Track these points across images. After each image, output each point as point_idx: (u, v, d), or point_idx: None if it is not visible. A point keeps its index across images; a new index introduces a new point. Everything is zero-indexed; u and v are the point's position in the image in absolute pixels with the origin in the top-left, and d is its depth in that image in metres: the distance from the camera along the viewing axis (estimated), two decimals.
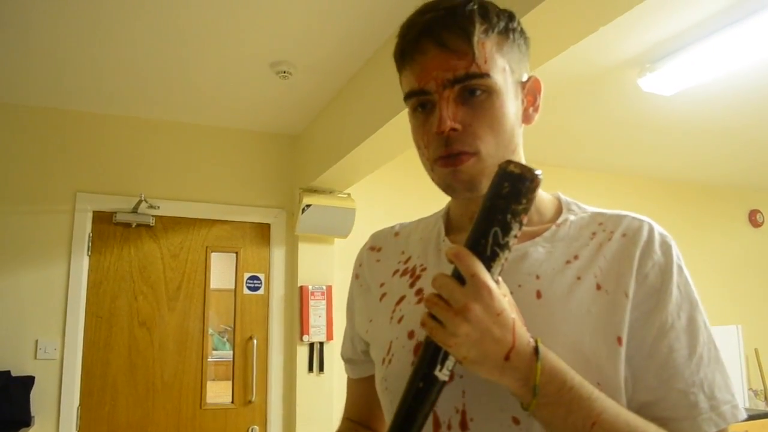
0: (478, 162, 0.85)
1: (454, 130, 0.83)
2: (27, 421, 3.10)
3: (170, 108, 3.68)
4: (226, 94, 3.47)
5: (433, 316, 0.72)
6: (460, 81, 0.83)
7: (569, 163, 4.86)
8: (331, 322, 3.86)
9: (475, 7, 0.85)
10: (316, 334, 3.83)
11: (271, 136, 4.13)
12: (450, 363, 0.73)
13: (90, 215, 3.59)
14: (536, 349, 0.72)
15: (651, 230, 0.87)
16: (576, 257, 0.86)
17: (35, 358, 3.33)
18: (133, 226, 3.67)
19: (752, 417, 4.17)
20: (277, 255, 4.00)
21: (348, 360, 1.13)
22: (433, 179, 0.91)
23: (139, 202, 3.56)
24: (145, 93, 3.45)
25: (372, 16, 2.63)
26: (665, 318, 0.81)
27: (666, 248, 0.85)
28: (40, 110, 3.58)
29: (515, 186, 0.73)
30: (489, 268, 0.72)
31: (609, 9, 1.81)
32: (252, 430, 3.76)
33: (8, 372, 3.21)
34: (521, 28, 0.91)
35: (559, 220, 0.92)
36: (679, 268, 0.85)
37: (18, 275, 3.38)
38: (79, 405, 3.40)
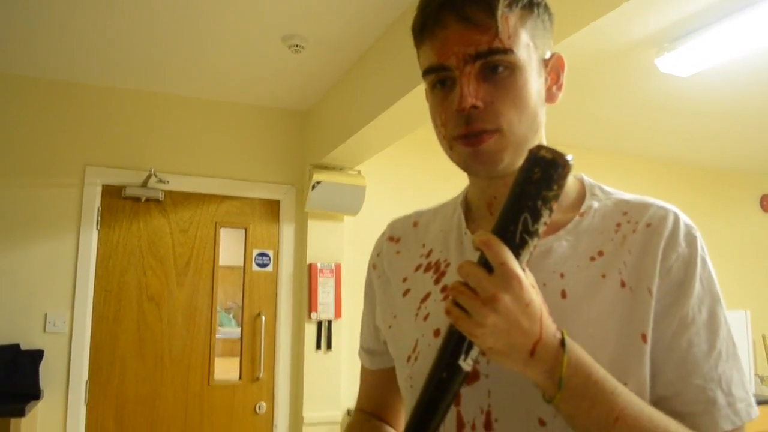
0: (501, 138, 0.81)
1: (475, 107, 0.80)
2: (36, 394, 3.11)
3: (181, 82, 3.65)
4: (237, 67, 3.43)
5: (458, 304, 0.70)
6: (482, 56, 0.80)
7: (578, 143, 4.81)
8: (339, 300, 3.85)
9: None
10: (324, 311, 3.82)
11: (281, 112, 4.10)
12: (474, 353, 0.71)
13: (99, 189, 3.57)
14: (563, 342, 0.71)
15: (676, 220, 0.84)
16: (600, 253, 0.84)
17: (44, 331, 3.33)
18: (143, 200, 3.65)
19: (759, 403, 4.15)
20: (287, 232, 3.98)
21: (368, 350, 1.10)
22: (451, 158, 0.87)
23: (149, 176, 3.54)
24: (156, 66, 3.41)
25: None
26: (686, 312, 0.79)
27: (691, 239, 0.83)
28: (49, 83, 3.55)
29: (547, 171, 0.70)
30: (517, 255, 0.70)
31: None
32: (259, 406, 3.76)
33: (17, 345, 3.21)
34: (545, 3, 0.87)
35: (583, 209, 0.89)
36: (703, 260, 0.83)
37: (27, 249, 3.37)
38: (88, 379, 3.41)
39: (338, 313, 3.85)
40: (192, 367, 3.66)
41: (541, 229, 0.71)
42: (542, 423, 0.78)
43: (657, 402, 0.78)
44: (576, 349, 0.72)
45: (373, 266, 1.06)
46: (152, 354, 3.58)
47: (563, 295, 0.82)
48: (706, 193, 5.42)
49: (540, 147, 0.72)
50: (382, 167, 4.10)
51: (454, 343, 0.71)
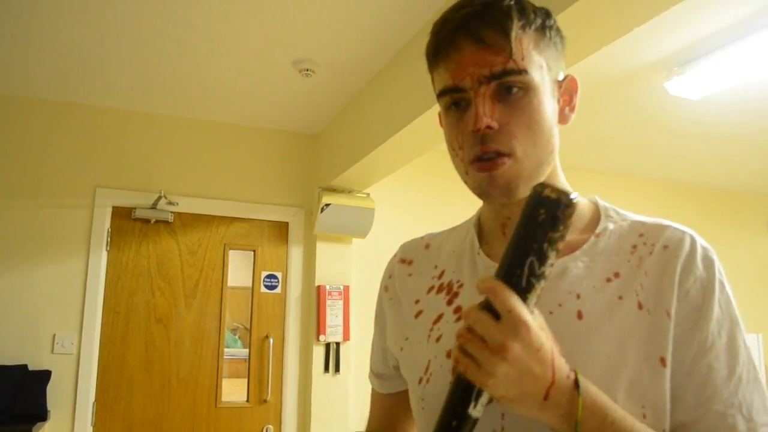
0: (515, 164, 0.81)
1: (490, 128, 0.79)
2: (43, 415, 3.10)
3: (191, 105, 3.67)
4: (248, 91, 3.46)
5: (465, 351, 0.69)
6: (497, 77, 0.80)
7: (588, 166, 4.82)
8: (347, 323, 3.84)
9: (512, 2, 0.82)
10: (332, 334, 3.80)
11: (291, 135, 4.12)
12: (484, 399, 0.70)
13: (109, 210, 3.59)
14: (576, 382, 0.69)
15: (693, 243, 0.83)
16: (617, 275, 0.83)
17: (52, 352, 3.33)
18: (152, 222, 3.67)
19: None
20: (295, 254, 3.98)
21: (378, 374, 1.09)
22: (467, 183, 0.86)
23: (159, 198, 3.56)
24: (167, 89, 3.44)
25: (395, 17, 2.61)
26: (705, 336, 0.78)
27: (708, 263, 0.81)
28: (61, 105, 3.59)
29: (552, 212, 0.67)
30: (524, 300, 0.68)
31: (645, 9, 1.77)
32: (267, 429, 3.74)
33: (25, 366, 3.21)
34: (557, 26, 0.88)
35: (598, 230, 0.88)
36: (721, 284, 0.81)
37: (37, 269, 3.38)
38: (95, 400, 3.40)
39: (347, 336, 3.83)
40: (199, 389, 3.64)
41: (548, 271, 0.69)
42: None
43: (677, 428, 0.77)
44: (591, 389, 0.70)
45: (384, 288, 1.05)
46: (160, 376, 3.57)
47: (579, 315, 0.80)
48: (715, 215, 5.40)
49: (544, 186, 0.69)
50: (391, 190, 4.10)
51: (463, 390, 0.69)
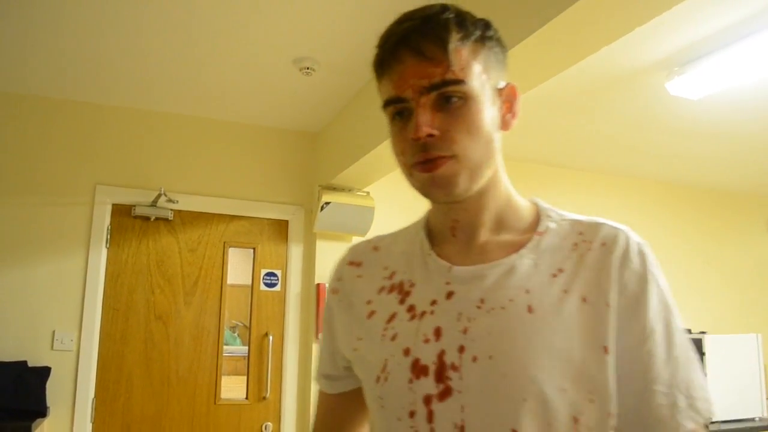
0: (456, 163, 0.85)
1: (430, 135, 0.84)
2: (43, 411, 3.11)
3: (191, 103, 3.68)
4: (248, 89, 3.46)
5: None
6: (436, 88, 0.84)
7: (588, 165, 4.82)
8: None
9: (452, 15, 0.87)
10: None
11: (291, 133, 4.12)
12: None
13: (109, 208, 3.59)
14: None
15: (627, 239, 0.90)
16: (561, 270, 0.88)
17: (52, 348, 3.34)
18: (152, 219, 3.67)
19: None
20: (295, 252, 3.99)
21: (326, 375, 1.11)
22: (411, 184, 0.91)
23: (158, 195, 3.56)
24: (167, 87, 3.44)
25: (396, 14, 2.60)
26: (645, 324, 0.85)
27: (642, 256, 0.89)
28: (61, 103, 3.59)
29: None
30: None
31: (646, 8, 1.77)
32: (266, 426, 3.75)
33: (25, 362, 3.22)
34: (498, 36, 0.93)
35: (541, 228, 0.93)
36: (655, 275, 0.88)
37: (37, 266, 3.39)
38: (94, 397, 3.41)
39: None
40: (198, 387, 3.65)
41: None
42: None
43: (628, 411, 0.84)
44: None
45: (333, 291, 1.07)
46: (159, 373, 3.58)
47: (530, 309, 0.85)
48: (715, 216, 5.41)
49: None
50: (390, 189, 4.10)
51: None
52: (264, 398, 3.78)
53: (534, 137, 4.10)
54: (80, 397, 3.35)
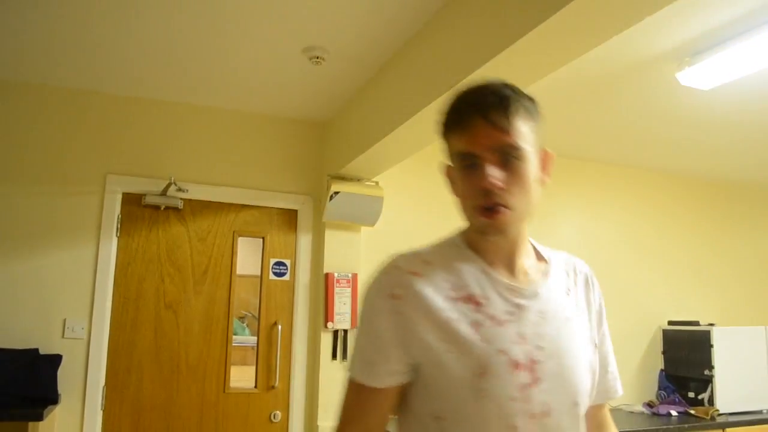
0: (511, 214, 1.11)
1: (500, 188, 1.09)
2: (54, 398, 3.13)
3: (201, 92, 3.68)
4: (258, 78, 3.46)
5: None
6: (501, 150, 1.09)
7: (598, 156, 4.81)
8: (355, 310, 3.85)
9: (512, 93, 1.13)
10: (340, 321, 3.83)
11: (300, 122, 4.13)
12: None
13: (119, 197, 3.61)
14: None
15: (591, 269, 1.33)
16: (569, 289, 1.24)
17: (63, 336, 3.37)
18: (162, 208, 3.69)
19: None
20: (304, 241, 4.00)
21: (389, 371, 1.14)
22: (471, 222, 1.17)
23: (169, 185, 3.57)
24: (177, 77, 3.45)
25: (407, 4, 2.60)
26: (605, 329, 1.32)
27: (596, 281, 1.33)
28: (72, 92, 3.61)
29: None
30: None
31: None
32: (274, 415, 3.77)
33: (36, 350, 3.24)
34: (539, 110, 1.18)
35: (545, 257, 1.27)
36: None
37: (48, 255, 3.41)
38: (105, 385, 3.44)
39: (354, 323, 3.85)
40: (208, 375, 3.67)
41: None
42: (575, 404, 1.14)
43: (600, 390, 1.30)
44: None
45: (394, 297, 1.12)
46: (168, 361, 3.60)
47: (567, 319, 1.19)
48: (724, 207, 5.38)
49: None
50: (400, 179, 4.11)
51: None
52: (273, 387, 3.80)
53: (544, 128, 4.08)
54: (91, 384, 3.38)
